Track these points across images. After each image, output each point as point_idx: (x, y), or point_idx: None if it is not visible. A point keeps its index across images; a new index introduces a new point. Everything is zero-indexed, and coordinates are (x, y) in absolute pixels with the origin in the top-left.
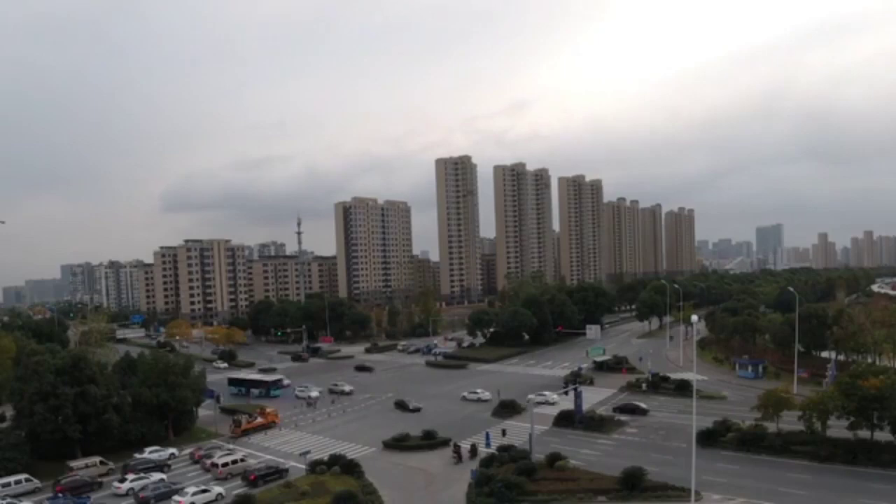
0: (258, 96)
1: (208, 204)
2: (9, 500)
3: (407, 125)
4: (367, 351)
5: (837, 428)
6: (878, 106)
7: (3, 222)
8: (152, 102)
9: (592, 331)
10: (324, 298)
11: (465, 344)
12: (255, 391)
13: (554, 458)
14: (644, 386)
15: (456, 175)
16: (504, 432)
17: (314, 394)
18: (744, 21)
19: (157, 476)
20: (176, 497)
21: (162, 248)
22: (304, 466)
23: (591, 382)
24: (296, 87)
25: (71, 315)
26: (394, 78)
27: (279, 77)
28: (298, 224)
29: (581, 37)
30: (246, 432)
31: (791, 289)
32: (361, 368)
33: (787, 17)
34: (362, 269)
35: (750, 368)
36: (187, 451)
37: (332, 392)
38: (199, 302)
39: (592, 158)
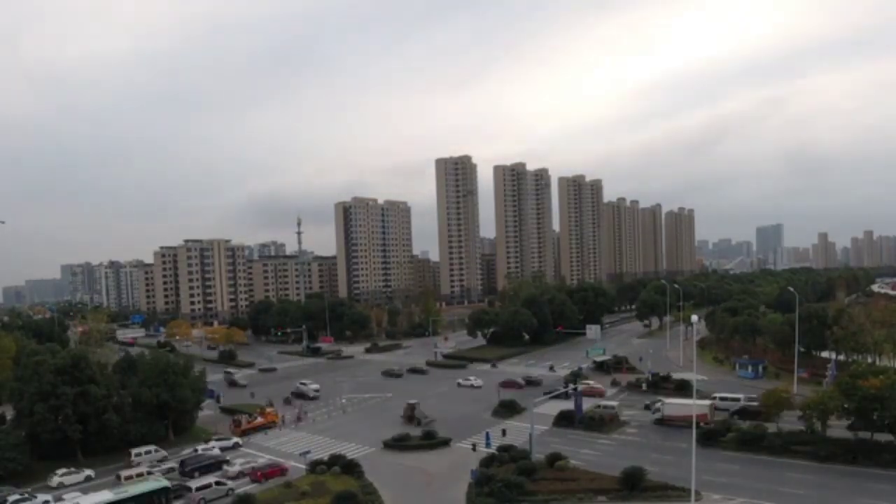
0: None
1: (218, 209)
2: None
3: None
4: (367, 351)
5: (837, 428)
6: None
7: (2, 222)
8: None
9: (592, 331)
10: (324, 298)
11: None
12: None
13: (554, 458)
14: (644, 386)
15: (456, 175)
16: (504, 432)
17: None
18: (749, 27)
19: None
20: None
21: (162, 247)
22: (304, 466)
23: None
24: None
25: (71, 315)
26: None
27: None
28: (298, 224)
29: (580, 44)
30: (245, 432)
31: (791, 289)
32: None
33: (797, 28)
34: (362, 269)
35: (750, 368)
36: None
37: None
38: (199, 302)
39: (592, 162)
